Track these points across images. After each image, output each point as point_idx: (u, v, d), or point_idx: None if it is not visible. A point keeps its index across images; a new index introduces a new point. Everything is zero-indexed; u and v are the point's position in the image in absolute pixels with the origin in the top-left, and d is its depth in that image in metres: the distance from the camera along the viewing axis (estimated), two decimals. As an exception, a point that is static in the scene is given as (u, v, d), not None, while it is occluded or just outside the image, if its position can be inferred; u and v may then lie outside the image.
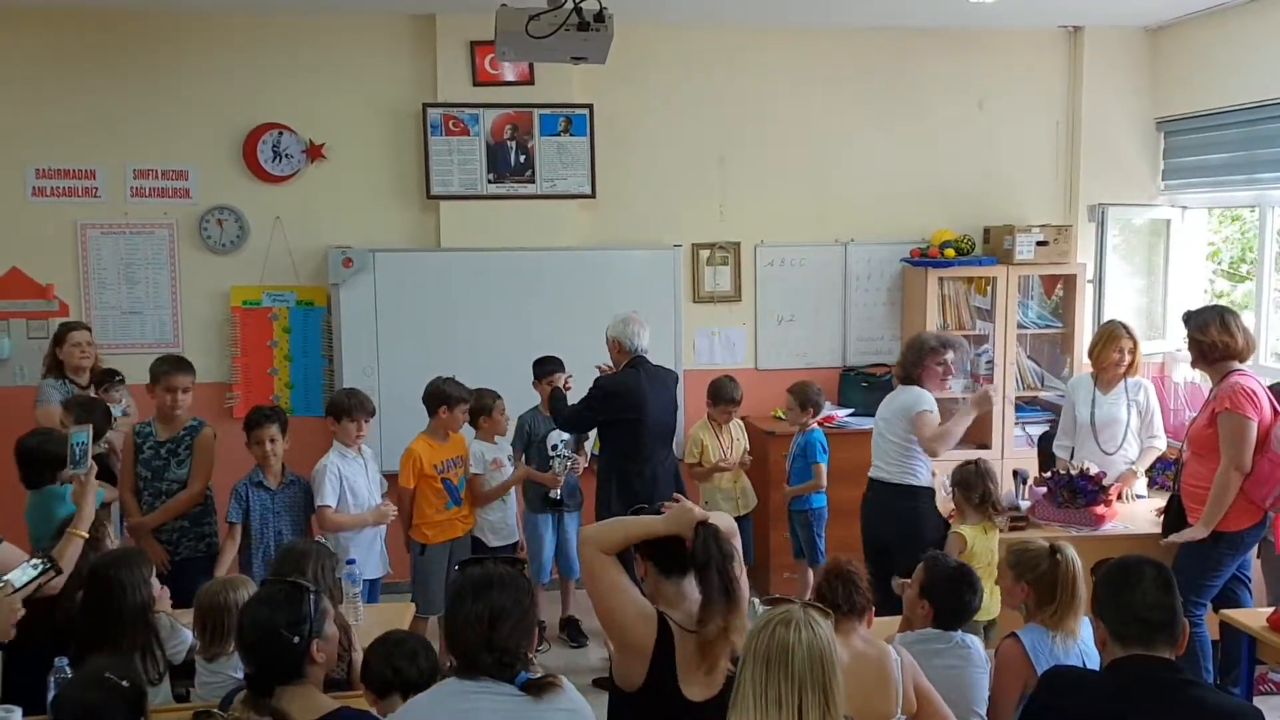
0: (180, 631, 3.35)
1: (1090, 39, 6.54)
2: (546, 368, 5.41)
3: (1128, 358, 5.14)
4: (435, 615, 4.90)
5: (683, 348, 6.40)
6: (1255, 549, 4.58)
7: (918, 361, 4.94)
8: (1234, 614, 4.13)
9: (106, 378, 5.30)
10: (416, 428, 5.15)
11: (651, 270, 6.35)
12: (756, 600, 3.04)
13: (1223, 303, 5.94)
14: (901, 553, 4.17)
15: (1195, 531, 4.40)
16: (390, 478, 5.12)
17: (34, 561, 3.09)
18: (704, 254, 6.52)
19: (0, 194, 5.93)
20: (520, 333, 6.06)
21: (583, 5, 3.70)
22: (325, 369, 6.19)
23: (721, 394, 5.70)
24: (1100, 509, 4.83)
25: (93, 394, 5.12)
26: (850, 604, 3.10)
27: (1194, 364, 4.72)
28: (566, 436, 5.45)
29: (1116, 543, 4.62)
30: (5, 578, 2.98)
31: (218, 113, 6.05)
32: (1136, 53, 6.56)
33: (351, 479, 4.75)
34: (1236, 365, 4.46)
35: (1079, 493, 4.84)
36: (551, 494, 5.46)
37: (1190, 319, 4.61)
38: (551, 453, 5.42)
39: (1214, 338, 4.46)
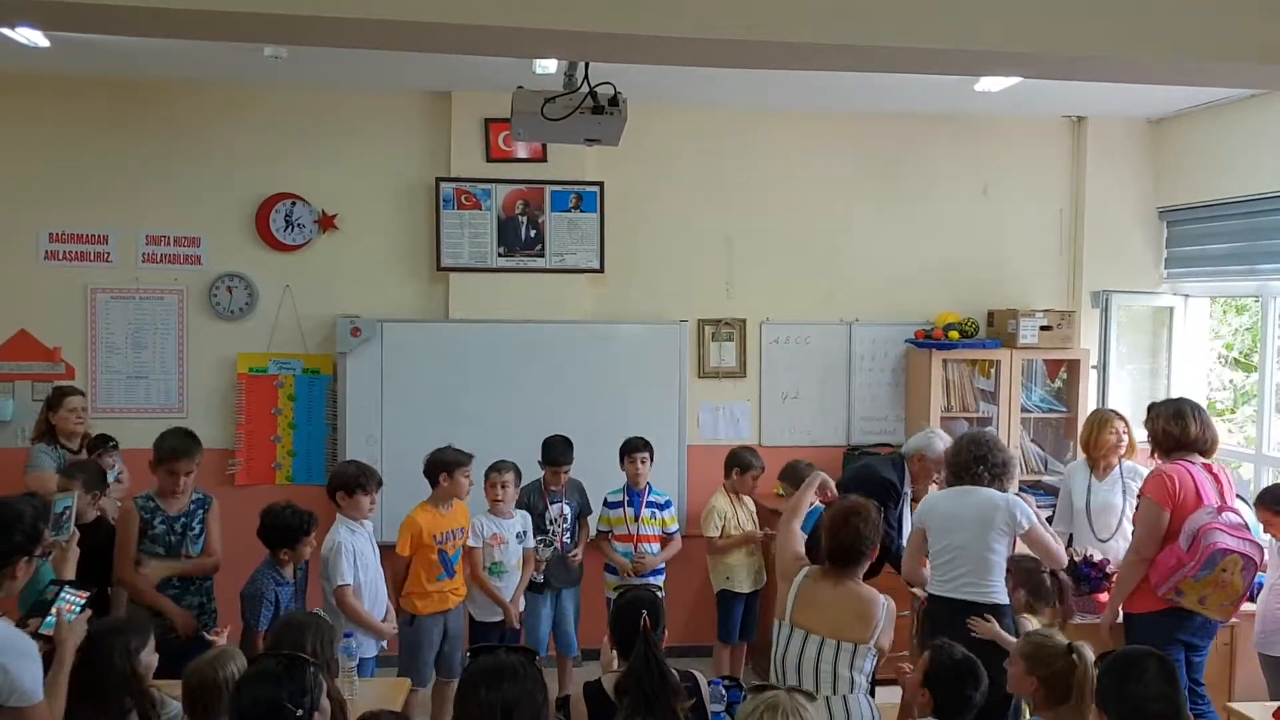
0: (169, 704, 3.30)
1: (1093, 129, 6.66)
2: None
3: (1125, 438, 5.15)
4: (424, 688, 4.88)
5: (687, 422, 6.41)
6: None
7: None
8: (1241, 707, 4.07)
9: (100, 443, 5.18)
10: (419, 499, 5.12)
11: (658, 345, 6.38)
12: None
13: (1229, 393, 5.94)
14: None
15: (1105, 616, 4.49)
16: (385, 548, 5.06)
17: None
18: (709, 330, 6.56)
19: (13, 256, 5.99)
20: (526, 405, 6.08)
21: (597, 89, 3.78)
22: (329, 438, 6.19)
23: (751, 463, 5.68)
24: (1104, 597, 4.79)
25: (85, 459, 5.00)
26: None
27: (1151, 453, 4.68)
28: (569, 512, 5.45)
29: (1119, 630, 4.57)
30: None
31: (232, 182, 6.14)
32: (1139, 143, 6.67)
33: (361, 551, 4.66)
34: (1194, 456, 4.45)
35: (1083, 580, 4.79)
36: (535, 577, 5.41)
37: (1150, 411, 4.65)
38: (540, 536, 5.41)
39: (1160, 427, 4.49)
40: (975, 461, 4.30)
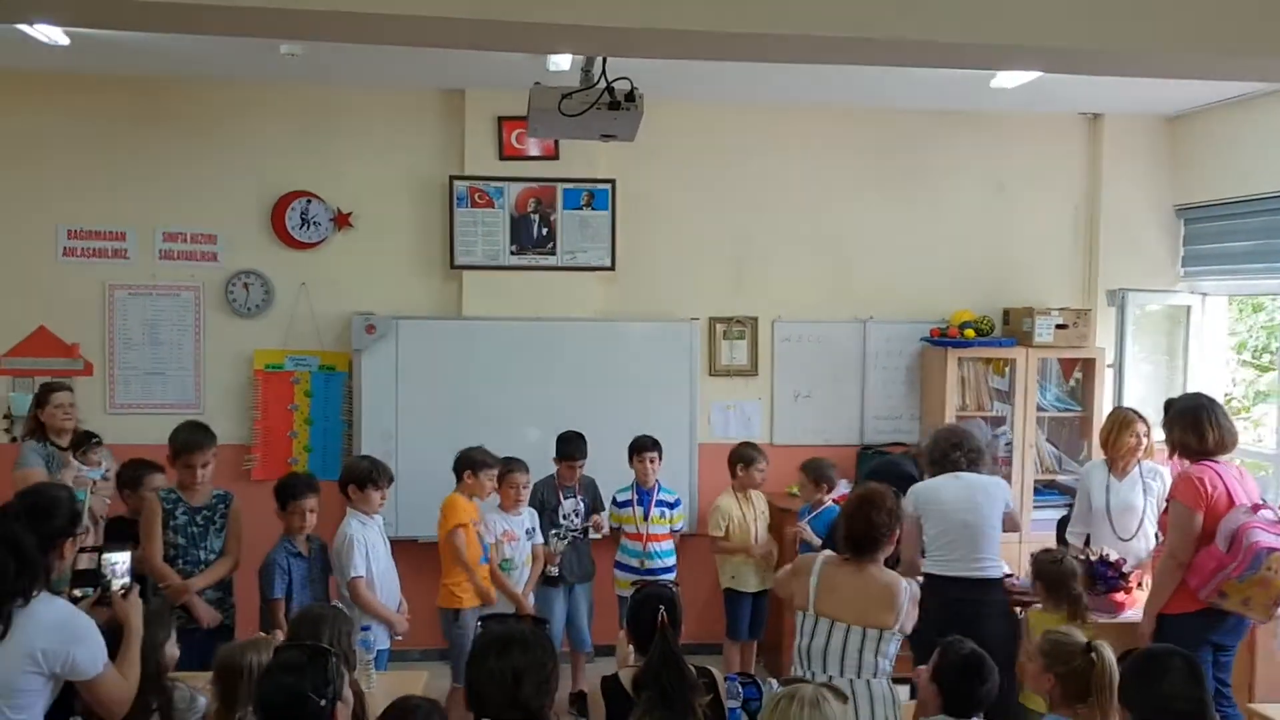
0: (198, 700, 3.30)
1: (1110, 126, 6.62)
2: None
3: (1144, 440, 5.12)
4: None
5: (698, 420, 6.40)
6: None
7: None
8: (1264, 709, 4.05)
9: (84, 439, 5.12)
10: (434, 494, 5.14)
11: (669, 343, 6.38)
12: (774, 681, 3.06)
13: (1245, 391, 5.88)
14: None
15: (1142, 624, 4.42)
16: (399, 543, 5.04)
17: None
18: (721, 328, 6.55)
19: (31, 253, 6.02)
20: (538, 401, 6.09)
21: (614, 85, 3.78)
22: (345, 434, 6.21)
23: (753, 457, 5.69)
24: (1120, 596, 4.78)
25: (72, 456, 4.95)
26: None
27: (1170, 454, 4.63)
28: (582, 508, 5.46)
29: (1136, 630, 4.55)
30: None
31: (248, 179, 6.16)
32: (1155, 140, 6.63)
33: (372, 544, 4.68)
34: (1219, 458, 4.40)
35: (1099, 579, 4.77)
36: (549, 570, 5.41)
37: (1166, 409, 4.61)
38: (554, 529, 5.42)
39: (1177, 439, 4.46)
40: (952, 449, 4.65)
